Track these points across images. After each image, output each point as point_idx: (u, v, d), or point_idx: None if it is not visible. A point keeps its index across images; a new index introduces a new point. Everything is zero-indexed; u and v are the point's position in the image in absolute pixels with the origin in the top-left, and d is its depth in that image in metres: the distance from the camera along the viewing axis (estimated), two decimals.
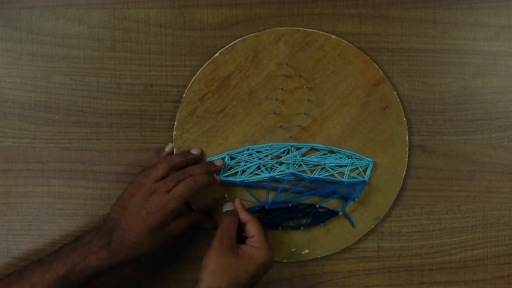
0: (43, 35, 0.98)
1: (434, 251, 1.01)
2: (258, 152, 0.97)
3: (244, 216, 0.92)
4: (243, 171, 0.97)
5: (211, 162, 0.95)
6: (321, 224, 0.98)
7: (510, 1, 1.00)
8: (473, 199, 1.00)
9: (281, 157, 0.97)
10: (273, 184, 0.97)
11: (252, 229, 0.90)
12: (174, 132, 0.97)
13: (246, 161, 0.97)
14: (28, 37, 0.98)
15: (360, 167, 0.98)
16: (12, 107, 0.98)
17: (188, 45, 0.98)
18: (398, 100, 0.98)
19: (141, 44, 0.98)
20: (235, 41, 0.97)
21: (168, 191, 0.88)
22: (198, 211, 0.97)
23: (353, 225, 0.98)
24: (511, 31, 1.00)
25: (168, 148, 0.96)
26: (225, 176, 0.97)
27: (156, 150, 0.98)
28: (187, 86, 0.98)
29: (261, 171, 0.97)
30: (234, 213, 0.92)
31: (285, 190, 0.97)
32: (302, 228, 0.98)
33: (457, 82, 1.00)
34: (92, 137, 0.98)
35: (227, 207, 0.95)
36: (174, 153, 0.97)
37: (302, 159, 0.97)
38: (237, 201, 0.94)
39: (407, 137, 0.98)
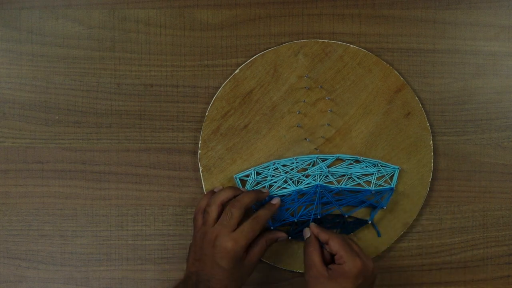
0: (43, 35, 0.98)
1: (434, 251, 1.00)
2: (284, 165, 0.97)
3: (323, 236, 0.90)
4: (270, 186, 0.97)
5: (259, 190, 0.94)
6: (351, 233, 0.97)
7: (510, 1, 1.00)
8: (473, 199, 1.00)
9: (307, 169, 0.97)
10: (300, 196, 0.96)
11: (334, 245, 0.89)
12: (199, 151, 0.97)
13: (273, 176, 0.97)
14: (28, 37, 0.98)
15: (387, 174, 0.97)
16: (12, 107, 0.98)
17: (188, 45, 0.98)
18: (421, 106, 0.98)
19: (141, 44, 0.98)
20: (254, 56, 0.97)
21: (232, 230, 0.88)
22: (265, 231, 0.94)
23: (378, 234, 0.98)
24: (511, 31, 1.00)
25: (217, 190, 0.95)
26: None
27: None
28: (187, 86, 0.98)
29: (288, 184, 0.97)
30: (312, 239, 0.91)
31: (313, 202, 0.96)
32: None
33: (457, 82, 1.00)
34: (92, 137, 0.98)
35: (306, 234, 0.93)
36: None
37: (328, 170, 0.97)
38: (312, 226, 0.93)
39: (431, 141, 0.98)
